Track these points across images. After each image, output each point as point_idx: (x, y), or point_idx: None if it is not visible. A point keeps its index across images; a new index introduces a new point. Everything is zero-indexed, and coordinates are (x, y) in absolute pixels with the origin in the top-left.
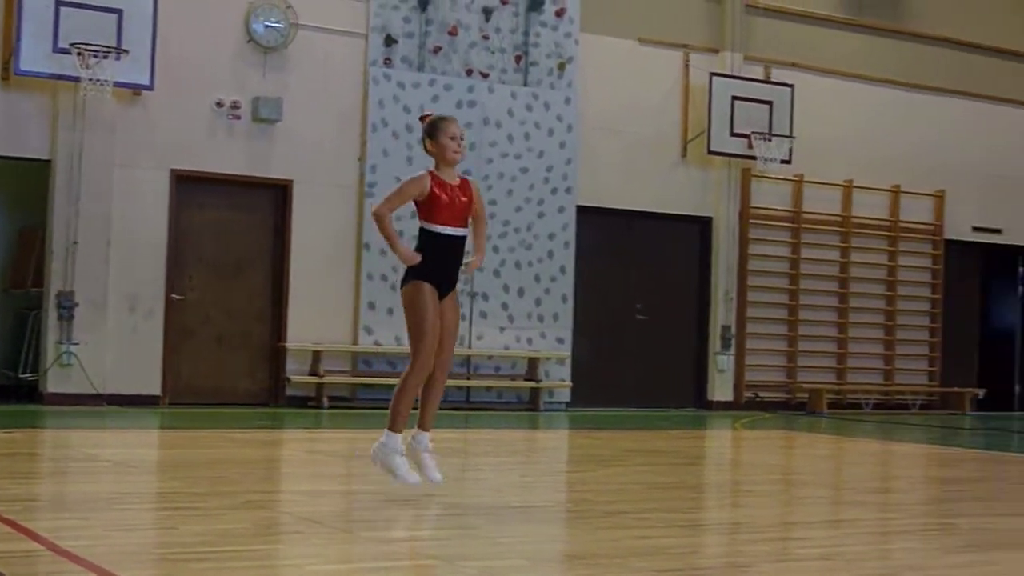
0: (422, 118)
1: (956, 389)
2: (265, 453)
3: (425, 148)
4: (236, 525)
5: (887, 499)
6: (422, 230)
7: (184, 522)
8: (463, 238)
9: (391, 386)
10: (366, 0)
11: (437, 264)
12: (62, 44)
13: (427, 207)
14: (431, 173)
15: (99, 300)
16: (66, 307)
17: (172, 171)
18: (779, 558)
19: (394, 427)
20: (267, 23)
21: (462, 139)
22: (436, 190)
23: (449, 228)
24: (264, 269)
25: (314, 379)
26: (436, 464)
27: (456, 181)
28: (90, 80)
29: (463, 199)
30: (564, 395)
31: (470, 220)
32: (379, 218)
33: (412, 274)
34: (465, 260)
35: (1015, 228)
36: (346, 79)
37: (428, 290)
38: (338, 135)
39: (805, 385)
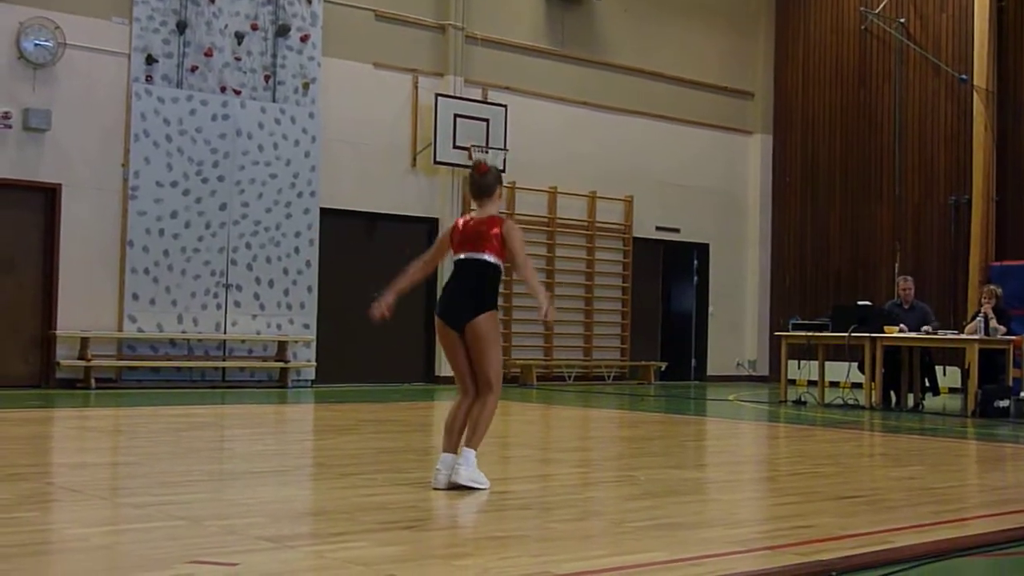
0: (481, 167)
1: (643, 363)
2: (34, 430)
3: (494, 192)
4: (1, 495)
5: (582, 456)
6: (499, 267)
7: None
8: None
9: (154, 367)
10: (129, 23)
11: None
12: None
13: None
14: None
15: None
16: None
17: None
18: (487, 509)
19: (478, 445)
20: (36, 42)
21: None
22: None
23: (464, 254)
24: (35, 264)
25: (82, 363)
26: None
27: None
28: None
29: (488, 231)
30: (310, 373)
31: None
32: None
33: (492, 304)
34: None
35: (690, 228)
36: (111, 93)
37: None
38: (104, 144)
39: (518, 361)
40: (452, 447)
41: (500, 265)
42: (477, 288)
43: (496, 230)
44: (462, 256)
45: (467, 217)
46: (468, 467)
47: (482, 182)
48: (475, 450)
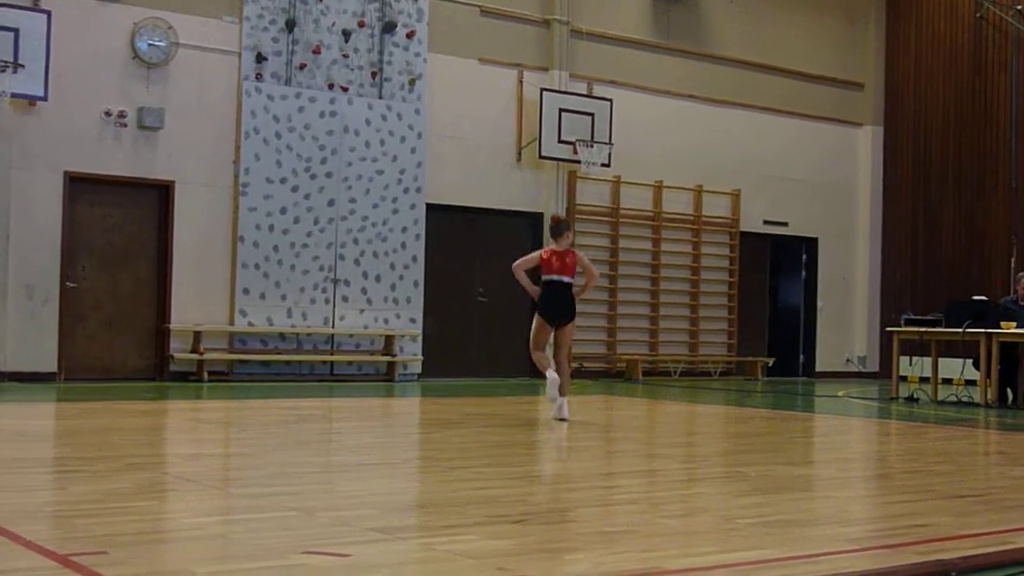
0: (555, 218)
1: (750, 358)
2: (149, 422)
3: (561, 233)
4: (120, 485)
5: (689, 452)
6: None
7: (73, 483)
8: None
9: (264, 361)
10: (239, 22)
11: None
12: None
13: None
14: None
15: (0, 289)
16: None
17: (65, 172)
18: (595, 504)
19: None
20: (150, 42)
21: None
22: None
23: (554, 276)
24: (149, 259)
25: (195, 356)
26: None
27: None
28: None
29: (567, 260)
30: (416, 367)
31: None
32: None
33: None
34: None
35: (798, 221)
36: (222, 92)
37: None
38: (215, 141)
39: (623, 356)
40: (554, 367)
41: (574, 282)
42: (571, 300)
43: (570, 259)
44: (553, 278)
45: (549, 250)
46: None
47: (557, 229)
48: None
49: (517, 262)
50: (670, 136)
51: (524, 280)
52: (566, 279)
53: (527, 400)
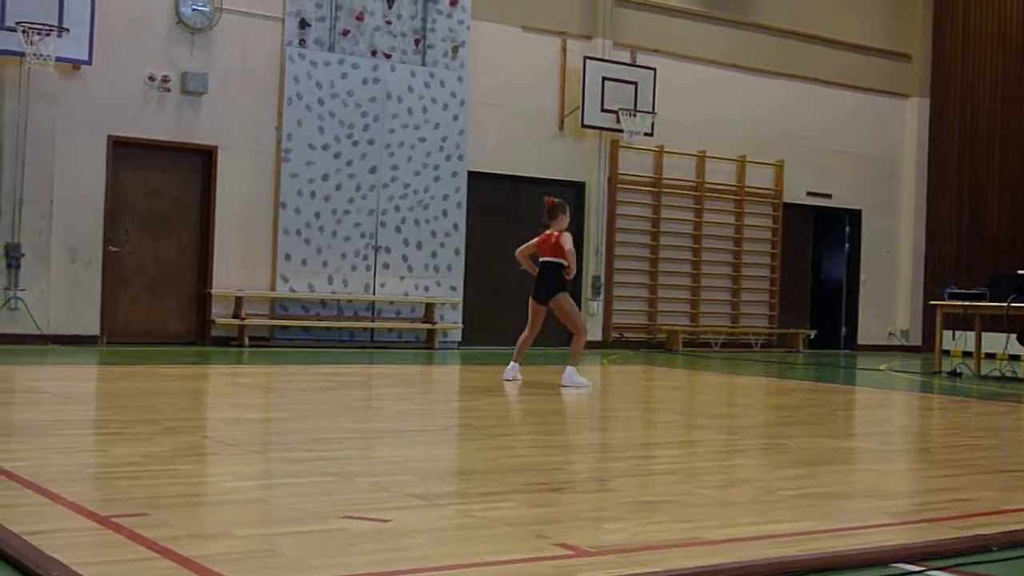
0: (551, 201)
1: (791, 330)
2: (190, 386)
3: (554, 217)
4: (160, 448)
5: (729, 423)
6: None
7: (114, 446)
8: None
9: (305, 327)
10: None
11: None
12: (8, 23)
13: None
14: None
15: (43, 252)
16: (14, 258)
17: (109, 137)
18: (634, 473)
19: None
20: (194, 7)
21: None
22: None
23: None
24: (192, 224)
25: (236, 321)
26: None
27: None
28: (34, 55)
29: (551, 241)
30: (456, 335)
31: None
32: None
33: (564, 287)
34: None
35: (842, 193)
36: (265, 57)
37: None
38: (258, 107)
39: (664, 327)
40: (518, 358)
41: (563, 262)
42: (549, 280)
43: (552, 240)
44: (540, 259)
45: (544, 234)
46: (569, 377)
47: (551, 212)
48: (574, 367)
49: (519, 248)
50: (714, 106)
51: (525, 263)
52: (548, 259)
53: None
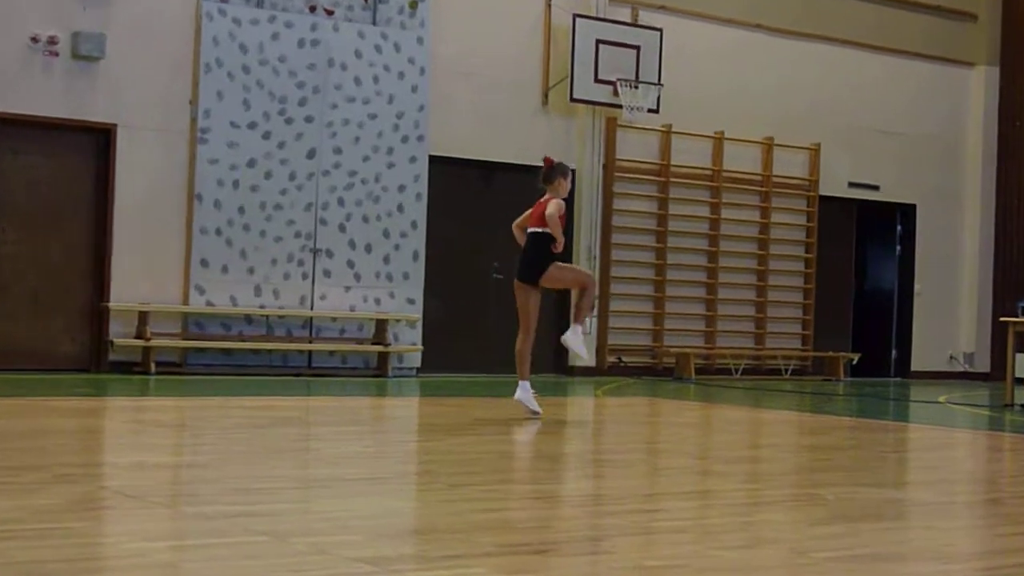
0: (549, 161)
1: (830, 354)
2: (85, 423)
3: (551, 180)
4: (49, 500)
5: (753, 468)
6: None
7: None
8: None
9: (226, 350)
10: None
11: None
12: None
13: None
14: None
15: None
16: None
17: None
18: (634, 532)
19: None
20: None
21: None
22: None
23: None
24: (85, 222)
25: (140, 343)
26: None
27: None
28: None
29: (540, 208)
30: (414, 360)
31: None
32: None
33: (554, 257)
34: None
35: (893, 184)
36: (177, 14)
37: None
38: (167, 76)
39: (672, 349)
40: (525, 374)
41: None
42: (534, 254)
43: (541, 207)
44: (528, 229)
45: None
46: (574, 335)
47: (549, 175)
48: (580, 324)
49: (516, 221)
50: (734, 76)
51: (522, 239)
52: (535, 229)
53: (552, 402)
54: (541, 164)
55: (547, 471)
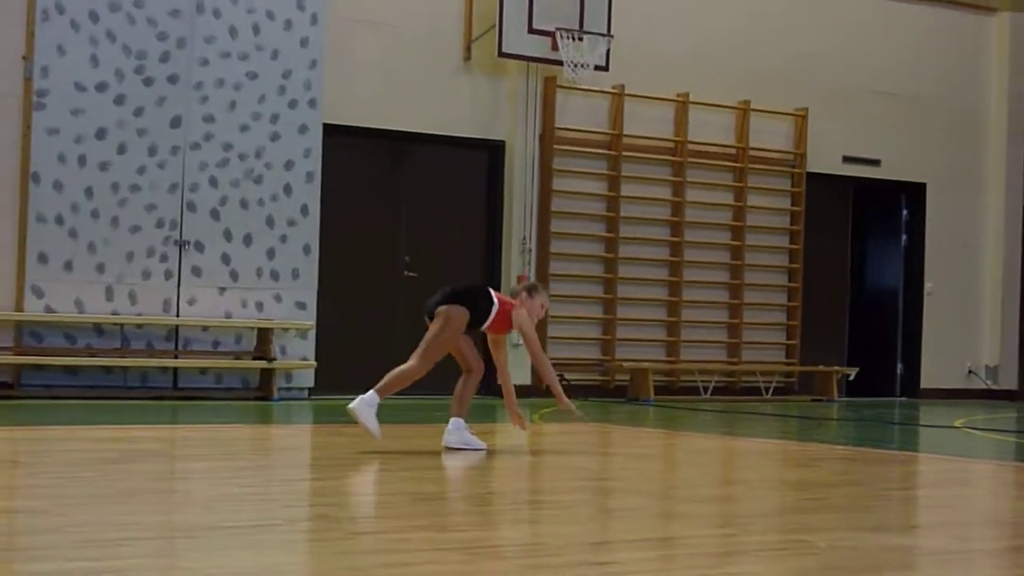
0: (521, 279)
1: (821, 368)
2: None
3: (518, 294)
4: None
5: (726, 510)
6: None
7: None
8: None
9: (70, 367)
10: None
11: None
12: None
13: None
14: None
15: None
16: None
17: None
18: None
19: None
20: None
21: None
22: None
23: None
24: None
25: None
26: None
27: None
28: None
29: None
30: (306, 378)
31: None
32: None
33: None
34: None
35: (895, 159)
36: None
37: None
38: None
39: (626, 364)
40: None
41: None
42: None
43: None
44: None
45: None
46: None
47: (513, 288)
48: (461, 418)
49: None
50: (700, 25)
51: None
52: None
53: (476, 429)
54: (463, 137)
55: (470, 515)
